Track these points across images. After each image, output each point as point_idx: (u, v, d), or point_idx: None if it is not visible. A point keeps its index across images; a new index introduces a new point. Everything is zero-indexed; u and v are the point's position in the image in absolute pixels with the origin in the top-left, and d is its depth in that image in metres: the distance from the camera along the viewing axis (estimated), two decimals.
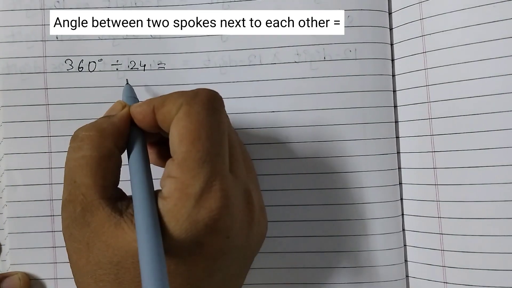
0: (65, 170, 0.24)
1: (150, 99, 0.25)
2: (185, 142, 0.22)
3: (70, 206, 0.23)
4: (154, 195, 0.22)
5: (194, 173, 0.22)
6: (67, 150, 0.24)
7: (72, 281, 0.31)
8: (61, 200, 0.24)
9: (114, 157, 0.24)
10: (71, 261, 0.24)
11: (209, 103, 0.23)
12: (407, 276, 0.32)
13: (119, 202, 0.23)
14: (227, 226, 0.22)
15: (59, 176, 0.31)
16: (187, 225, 0.21)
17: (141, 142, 0.25)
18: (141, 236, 0.20)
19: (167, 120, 0.23)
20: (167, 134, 0.24)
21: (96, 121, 0.25)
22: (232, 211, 0.23)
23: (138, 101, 0.27)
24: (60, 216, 0.24)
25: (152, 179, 0.23)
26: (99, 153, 0.23)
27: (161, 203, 0.22)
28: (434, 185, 0.30)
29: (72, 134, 0.24)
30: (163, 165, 0.26)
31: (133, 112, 0.25)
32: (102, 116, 0.26)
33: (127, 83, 0.30)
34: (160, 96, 0.24)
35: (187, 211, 0.21)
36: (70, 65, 0.32)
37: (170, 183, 0.22)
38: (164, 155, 0.28)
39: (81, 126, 0.24)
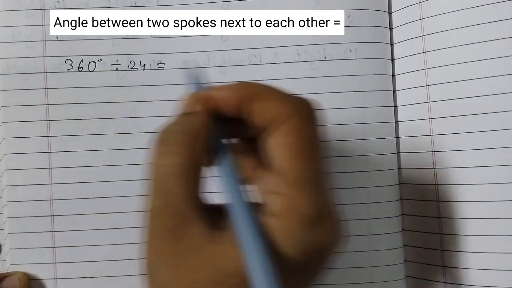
0: (154, 176, 0.22)
1: (234, 85, 0.22)
2: (299, 160, 0.21)
3: (163, 216, 0.21)
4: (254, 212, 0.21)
5: (307, 193, 0.21)
6: (153, 153, 0.22)
7: (72, 281, 0.31)
8: (150, 208, 0.22)
9: (203, 163, 0.22)
10: (154, 276, 0.21)
11: (316, 117, 0.22)
12: (407, 276, 0.32)
13: (210, 214, 0.21)
14: (332, 251, 0.22)
15: (59, 176, 0.31)
16: (297, 248, 0.20)
17: (227, 144, 0.22)
18: (253, 257, 0.19)
19: (264, 119, 0.21)
20: (253, 125, 0.22)
21: (180, 122, 0.22)
22: (340, 236, 0.22)
23: (206, 83, 0.24)
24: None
25: (244, 188, 0.21)
26: (194, 161, 0.21)
27: (268, 220, 0.20)
28: (434, 185, 0.30)
29: (158, 134, 0.22)
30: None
31: (223, 96, 0.22)
32: (181, 113, 0.23)
33: (189, 67, 0.26)
34: (255, 85, 0.22)
35: (298, 233, 0.20)
36: (70, 65, 0.32)
37: (278, 200, 0.21)
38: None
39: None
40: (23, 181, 0.31)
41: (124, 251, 0.31)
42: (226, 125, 0.23)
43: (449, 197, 0.30)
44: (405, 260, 0.32)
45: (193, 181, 0.21)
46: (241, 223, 0.20)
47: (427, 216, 0.30)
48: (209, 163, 0.22)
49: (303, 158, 0.21)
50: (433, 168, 0.30)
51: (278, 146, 0.21)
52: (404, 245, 0.32)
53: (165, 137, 0.22)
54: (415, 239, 0.31)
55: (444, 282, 0.30)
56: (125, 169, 0.31)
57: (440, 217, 0.30)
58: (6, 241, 0.31)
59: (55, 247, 0.31)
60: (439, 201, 0.30)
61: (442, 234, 0.30)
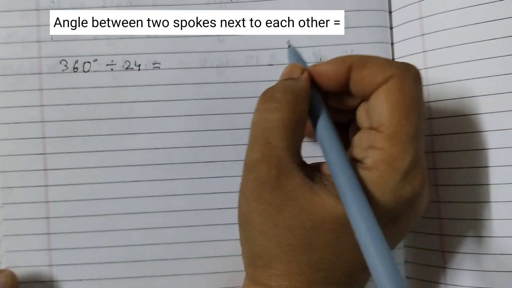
0: (255, 129, 0.23)
1: (342, 57, 0.24)
2: (397, 115, 0.22)
3: (263, 167, 0.22)
4: (351, 165, 0.22)
5: (405, 147, 0.22)
6: (256, 111, 0.24)
7: (69, 283, 0.31)
8: (248, 160, 0.23)
9: (305, 121, 0.24)
10: (250, 223, 0.23)
11: (419, 80, 0.23)
12: (407, 277, 0.31)
13: (305, 168, 0.23)
14: (422, 205, 0.23)
15: (55, 177, 0.31)
16: (391, 198, 0.22)
17: (325, 107, 0.24)
18: (352, 204, 0.20)
19: (366, 84, 0.23)
20: (354, 95, 0.24)
21: (285, 83, 0.24)
22: (427, 189, 0.23)
23: (306, 64, 0.26)
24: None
25: (342, 144, 0.23)
26: (296, 117, 0.23)
27: (363, 173, 0.22)
28: (435, 186, 0.30)
29: (263, 93, 0.24)
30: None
31: (324, 69, 0.24)
32: (282, 78, 0.26)
33: (290, 46, 0.28)
34: (358, 56, 0.24)
35: (394, 184, 0.22)
36: (65, 65, 0.31)
37: (376, 154, 0.22)
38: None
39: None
40: (19, 183, 0.31)
41: (120, 253, 0.31)
42: (324, 97, 0.25)
43: (449, 198, 0.29)
44: (405, 261, 0.32)
45: (293, 136, 0.23)
46: (340, 177, 0.21)
47: (427, 217, 0.30)
48: (309, 125, 0.24)
49: (402, 114, 0.22)
50: (433, 168, 0.30)
51: (378, 104, 0.23)
52: (404, 246, 0.32)
53: (270, 94, 0.24)
54: (415, 240, 0.31)
55: (444, 283, 0.30)
56: (121, 170, 0.31)
57: (441, 218, 0.30)
58: (1, 243, 0.31)
59: (51, 249, 0.31)
60: (439, 202, 0.30)
61: (443, 235, 0.30)
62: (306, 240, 0.22)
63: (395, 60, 0.32)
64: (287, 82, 0.24)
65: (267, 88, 0.24)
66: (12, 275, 0.30)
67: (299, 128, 0.23)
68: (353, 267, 0.22)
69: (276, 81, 0.25)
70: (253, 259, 0.24)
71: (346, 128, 0.27)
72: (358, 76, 0.23)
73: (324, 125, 0.24)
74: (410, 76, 0.23)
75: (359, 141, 0.24)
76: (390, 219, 0.22)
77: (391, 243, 0.23)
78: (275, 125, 0.23)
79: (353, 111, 0.26)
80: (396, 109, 0.22)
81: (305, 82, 0.24)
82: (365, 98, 0.24)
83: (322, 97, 0.25)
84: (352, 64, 0.23)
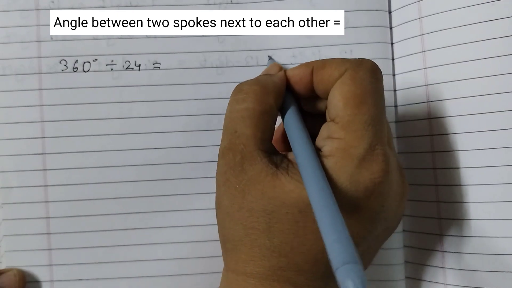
0: (225, 119, 0.25)
1: (307, 62, 0.25)
2: (350, 105, 0.23)
3: (229, 153, 0.24)
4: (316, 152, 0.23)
5: (359, 134, 0.23)
6: (228, 103, 0.25)
7: (68, 283, 0.31)
8: (219, 148, 0.25)
9: (273, 113, 0.25)
10: (221, 206, 0.24)
11: (373, 72, 0.24)
12: (407, 277, 0.31)
13: (273, 156, 0.24)
14: (385, 192, 0.23)
15: (54, 177, 0.31)
16: (347, 184, 0.22)
17: (295, 103, 0.26)
18: (314, 188, 0.21)
19: (325, 82, 0.24)
20: (320, 96, 0.25)
21: (258, 77, 0.26)
22: (391, 178, 0.23)
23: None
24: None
25: (308, 135, 0.24)
26: (261, 107, 0.24)
27: (323, 160, 0.23)
28: (434, 185, 0.30)
29: (235, 87, 0.26)
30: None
31: (291, 74, 0.26)
32: (260, 75, 0.27)
33: (270, 58, 0.31)
34: (320, 60, 0.25)
35: (350, 170, 0.22)
36: (65, 65, 0.31)
37: (332, 142, 0.23)
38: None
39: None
40: (18, 183, 0.31)
41: (119, 252, 0.31)
42: (298, 101, 0.27)
43: (449, 198, 0.29)
44: (405, 261, 0.32)
45: (259, 125, 0.24)
46: (303, 161, 0.22)
47: (427, 217, 0.30)
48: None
49: (354, 104, 0.23)
50: (433, 168, 0.30)
51: (334, 97, 0.24)
52: (404, 246, 0.32)
53: (241, 87, 0.25)
54: (415, 240, 0.31)
55: (444, 284, 0.30)
56: (121, 170, 0.31)
57: (441, 218, 0.30)
58: (1, 243, 0.31)
59: (51, 249, 0.31)
60: (439, 202, 0.30)
61: (442, 235, 0.30)
62: (267, 224, 0.22)
63: (395, 60, 0.32)
64: (258, 77, 0.26)
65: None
66: (21, 274, 0.31)
67: (265, 118, 0.24)
68: (314, 253, 0.22)
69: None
70: (223, 242, 0.25)
71: None
72: (319, 77, 0.25)
73: (291, 115, 0.25)
74: (363, 68, 0.24)
75: (321, 132, 0.25)
76: (350, 207, 0.22)
77: (359, 236, 0.23)
78: (241, 114, 0.24)
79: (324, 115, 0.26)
80: (349, 99, 0.23)
81: (278, 78, 0.26)
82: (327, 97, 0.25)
83: (293, 98, 0.26)
84: (314, 67, 0.25)
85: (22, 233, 0.31)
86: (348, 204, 0.22)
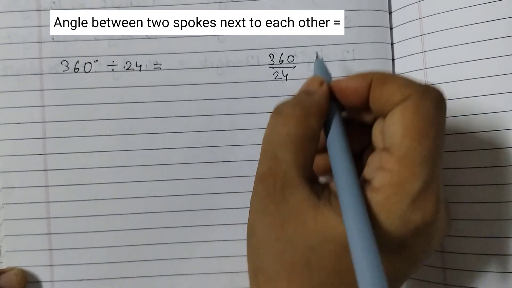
0: (265, 143, 0.23)
1: (364, 73, 0.23)
2: (410, 137, 0.21)
3: (269, 180, 0.22)
4: (359, 183, 0.21)
5: (415, 171, 0.21)
6: (267, 126, 0.24)
7: (69, 283, 0.31)
8: (257, 172, 0.23)
9: (316, 137, 0.23)
10: (255, 234, 0.23)
11: (439, 103, 0.22)
12: None
13: (314, 184, 0.23)
14: (434, 232, 0.22)
15: (55, 178, 0.31)
16: (398, 223, 0.21)
17: (340, 121, 0.24)
18: (352, 225, 0.19)
19: (383, 102, 0.22)
20: (374, 113, 0.24)
21: (298, 97, 0.24)
22: (441, 217, 0.22)
23: (331, 77, 0.26)
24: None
25: (354, 162, 0.22)
26: (304, 132, 0.22)
27: (370, 194, 0.21)
28: None
29: (274, 109, 0.24)
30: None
31: (344, 86, 0.24)
32: (299, 91, 0.25)
33: (317, 57, 0.29)
34: (380, 73, 0.23)
35: (402, 208, 0.21)
36: (66, 66, 0.31)
37: (384, 175, 0.21)
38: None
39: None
40: (19, 183, 0.31)
41: (120, 253, 0.31)
42: (344, 110, 0.25)
43: (449, 199, 0.29)
44: None
45: (301, 151, 0.22)
46: (344, 194, 0.21)
47: None
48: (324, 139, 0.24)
49: (415, 136, 0.21)
50: None
51: (392, 124, 0.22)
52: None
53: (280, 109, 0.24)
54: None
55: (444, 284, 0.30)
56: (122, 171, 0.31)
57: None
58: (2, 243, 0.31)
59: (51, 249, 0.31)
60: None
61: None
62: (307, 259, 0.21)
63: (395, 60, 0.32)
64: (299, 96, 0.24)
65: (280, 102, 0.24)
66: (22, 274, 0.31)
67: (308, 143, 0.23)
68: None
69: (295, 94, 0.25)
70: (255, 273, 0.23)
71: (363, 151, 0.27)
72: (377, 93, 0.23)
73: (334, 140, 0.23)
74: (429, 97, 0.22)
75: (371, 161, 0.23)
76: (397, 246, 0.21)
77: (400, 273, 0.22)
78: (282, 139, 0.23)
79: (369, 131, 0.25)
80: (409, 130, 0.21)
81: (320, 96, 0.24)
82: (383, 116, 0.23)
83: (340, 112, 0.24)
84: (373, 80, 0.23)
85: (23, 233, 0.31)
86: (394, 242, 0.21)
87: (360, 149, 0.26)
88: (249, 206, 0.24)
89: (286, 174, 0.22)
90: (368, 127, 0.25)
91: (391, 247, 0.21)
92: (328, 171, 0.24)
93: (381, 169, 0.22)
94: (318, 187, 0.23)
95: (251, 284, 0.24)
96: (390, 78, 0.23)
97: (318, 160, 0.26)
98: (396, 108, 0.22)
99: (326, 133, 0.24)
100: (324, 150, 0.24)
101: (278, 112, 0.24)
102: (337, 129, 0.23)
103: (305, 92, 0.25)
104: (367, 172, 0.23)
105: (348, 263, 0.20)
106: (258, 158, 0.24)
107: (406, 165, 0.21)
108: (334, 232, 0.21)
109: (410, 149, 0.21)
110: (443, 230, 0.23)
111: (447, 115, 0.29)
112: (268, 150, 0.23)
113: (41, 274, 0.31)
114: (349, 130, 0.24)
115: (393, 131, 0.22)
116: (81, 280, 0.31)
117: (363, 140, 0.25)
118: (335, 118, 0.24)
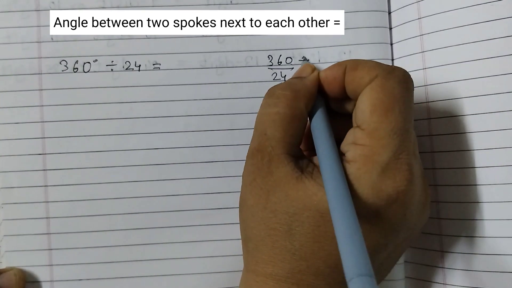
0: (257, 121, 0.26)
1: (340, 62, 0.26)
2: (377, 112, 0.23)
3: (258, 155, 0.24)
4: (339, 157, 0.23)
5: (384, 142, 0.23)
6: (260, 106, 0.26)
7: (68, 283, 0.31)
8: (249, 149, 0.25)
9: (303, 118, 0.25)
10: (245, 205, 0.25)
11: (404, 81, 0.24)
12: (406, 277, 0.31)
13: (300, 160, 0.24)
14: (407, 202, 0.23)
15: (54, 178, 0.31)
16: (369, 191, 0.22)
17: (324, 106, 0.26)
18: (333, 194, 0.21)
19: (355, 84, 0.24)
20: (350, 97, 0.25)
21: (289, 81, 0.27)
22: (414, 188, 0.23)
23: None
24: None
25: (335, 142, 0.24)
26: (292, 112, 0.25)
27: (346, 166, 0.23)
28: (434, 186, 0.30)
29: (268, 91, 0.26)
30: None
31: (324, 75, 0.26)
32: (292, 77, 0.28)
33: (305, 59, 0.31)
34: (353, 60, 0.25)
35: (372, 178, 0.22)
36: (65, 66, 0.31)
37: (356, 149, 0.23)
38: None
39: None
40: (19, 183, 0.31)
41: (120, 253, 0.31)
42: (327, 102, 0.27)
43: (449, 198, 0.29)
44: (404, 261, 0.31)
45: (288, 129, 0.24)
46: (325, 165, 0.22)
47: None
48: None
49: (381, 111, 0.23)
50: (432, 168, 0.30)
51: (361, 102, 0.24)
52: None
53: (273, 91, 0.26)
54: (415, 240, 0.31)
55: (443, 284, 0.30)
56: (121, 170, 0.31)
57: (440, 218, 0.30)
58: (1, 243, 0.31)
59: (51, 249, 0.31)
60: (438, 202, 0.30)
61: (442, 235, 0.30)
62: (289, 226, 0.23)
63: (394, 60, 0.32)
64: (291, 80, 0.27)
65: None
66: (21, 274, 0.31)
67: (295, 123, 0.25)
68: (334, 258, 0.22)
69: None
70: (245, 241, 0.25)
71: None
72: (350, 78, 0.25)
73: (318, 119, 0.25)
74: (394, 77, 0.24)
75: (346, 138, 0.25)
76: (371, 216, 0.22)
77: (380, 245, 0.23)
78: (272, 118, 0.25)
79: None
80: (376, 106, 0.23)
81: (310, 81, 0.26)
82: (357, 98, 0.25)
83: (323, 99, 0.26)
84: (347, 66, 0.25)
85: (22, 233, 0.31)
86: (369, 212, 0.22)
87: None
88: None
89: (273, 150, 0.24)
90: (351, 117, 0.26)
91: (366, 216, 0.22)
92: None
93: (354, 144, 0.23)
94: (304, 162, 0.24)
95: (243, 252, 0.26)
96: (361, 63, 0.25)
97: (305, 143, 0.28)
98: (365, 89, 0.24)
99: (311, 116, 0.26)
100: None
101: (270, 93, 0.26)
102: (320, 110, 0.26)
103: (296, 77, 0.27)
104: (343, 146, 0.25)
105: (326, 229, 0.22)
106: None
107: (375, 138, 0.23)
108: (313, 199, 0.22)
109: (378, 123, 0.23)
110: (419, 203, 0.24)
111: (447, 115, 0.29)
112: (258, 128, 0.25)
113: (41, 274, 0.31)
114: (335, 120, 0.26)
115: (362, 108, 0.24)
116: (81, 280, 0.31)
117: (347, 128, 0.26)
118: (320, 102, 0.26)
